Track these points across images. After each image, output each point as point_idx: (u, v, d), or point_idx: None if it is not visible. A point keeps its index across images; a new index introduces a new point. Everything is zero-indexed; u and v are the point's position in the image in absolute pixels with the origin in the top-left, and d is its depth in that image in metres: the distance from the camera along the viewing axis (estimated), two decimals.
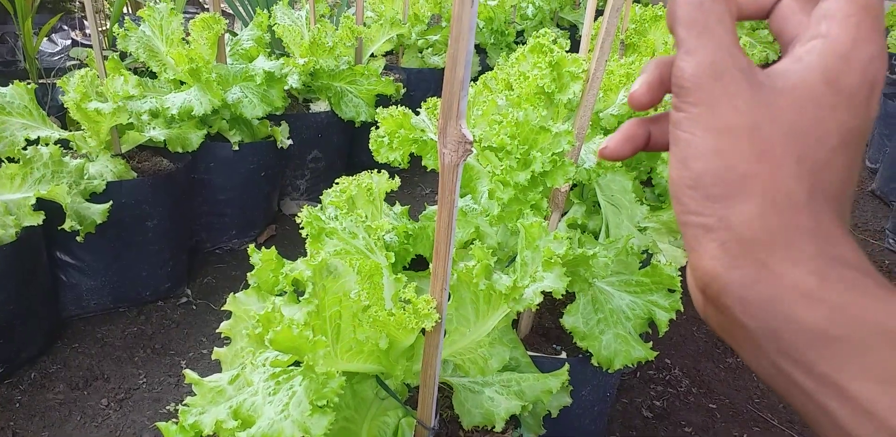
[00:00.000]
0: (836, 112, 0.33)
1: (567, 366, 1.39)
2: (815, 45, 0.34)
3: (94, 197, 2.16)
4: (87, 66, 2.90)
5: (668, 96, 0.39)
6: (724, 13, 0.35)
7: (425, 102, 1.65)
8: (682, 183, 0.35)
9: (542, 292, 1.14)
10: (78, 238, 2.09)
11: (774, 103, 0.33)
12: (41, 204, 1.97)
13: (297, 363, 1.03)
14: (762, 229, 0.33)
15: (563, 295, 1.17)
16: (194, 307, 2.52)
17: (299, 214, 1.27)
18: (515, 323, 1.64)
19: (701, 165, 0.34)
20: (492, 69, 2.52)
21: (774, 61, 0.38)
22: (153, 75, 2.75)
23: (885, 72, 0.34)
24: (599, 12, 1.76)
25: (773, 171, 0.33)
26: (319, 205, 1.32)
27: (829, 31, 0.34)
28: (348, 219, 1.28)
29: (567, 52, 1.56)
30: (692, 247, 0.35)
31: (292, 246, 2.99)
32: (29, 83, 2.27)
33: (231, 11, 4.05)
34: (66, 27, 4.05)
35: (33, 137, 2.21)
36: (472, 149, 0.80)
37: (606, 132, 1.95)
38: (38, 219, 1.95)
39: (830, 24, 0.34)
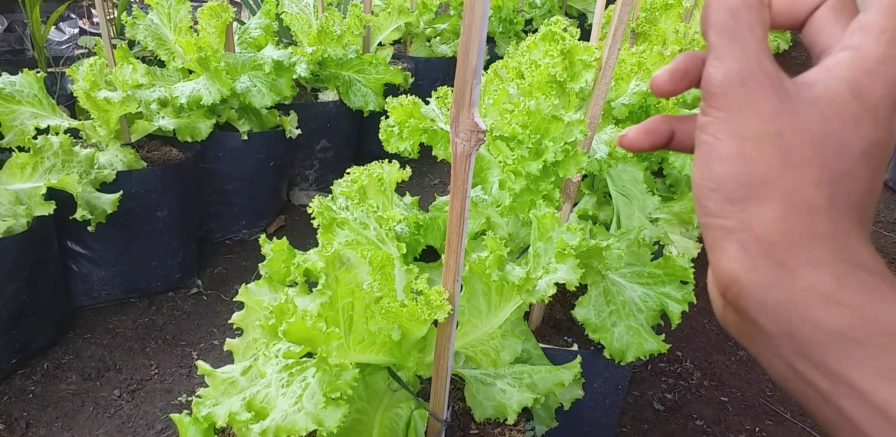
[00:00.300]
0: (860, 124, 0.33)
1: (579, 358, 1.38)
2: (845, 56, 0.34)
3: (104, 187, 2.16)
4: (95, 54, 2.90)
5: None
6: (756, 22, 0.35)
7: (435, 90, 1.63)
8: (705, 186, 0.35)
9: (556, 284, 1.13)
10: (89, 228, 2.09)
11: (799, 112, 0.34)
12: (52, 194, 1.97)
13: (309, 355, 1.02)
14: (782, 233, 0.33)
15: (575, 287, 1.16)
16: (205, 298, 2.53)
17: (310, 204, 1.26)
18: (527, 315, 1.64)
19: (724, 168, 0.34)
20: (500, 58, 2.49)
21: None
22: (161, 64, 2.75)
23: None
24: (610, 0, 1.74)
25: (795, 177, 0.33)
26: (329, 195, 1.32)
27: (860, 44, 0.34)
28: (359, 209, 1.27)
29: (577, 40, 1.54)
30: (712, 248, 0.35)
31: (301, 236, 2.99)
32: (38, 72, 2.27)
33: None
34: (73, 15, 4.05)
35: (43, 126, 2.21)
36: (485, 138, 0.79)
37: (618, 122, 1.93)
38: (49, 209, 1.95)
39: (863, 38, 0.34)
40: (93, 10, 4.04)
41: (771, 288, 0.33)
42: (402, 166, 1.42)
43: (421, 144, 1.59)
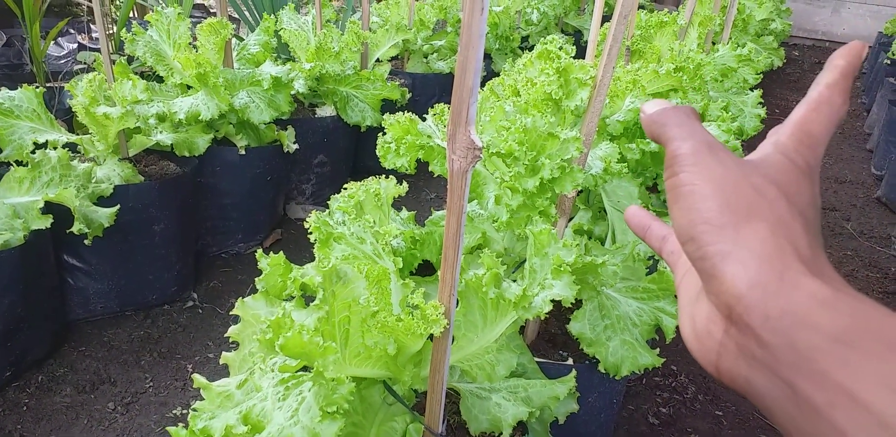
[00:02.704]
0: (802, 181, 0.41)
1: (574, 372, 1.39)
2: (771, 145, 0.44)
3: (101, 201, 2.16)
4: (93, 69, 2.92)
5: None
6: (700, 122, 0.45)
7: (432, 107, 1.65)
8: (696, 222, 0.39)
9: (552, 301, 1.14)
10: (86, 242, 2.10)
11: (758, 167, 0.41)
12: (49, 207, 1.98)
13: (305, 369, 1.03)
14: (775, 247, 0.36)
15: (570, 302, 1.17)
16: (200, 311, 2.53)
17: (307, 219, 1.27)
18: (522, 329, 1.64)
19: (709, 203, 0.39)
20: (497, 75, 2.52)
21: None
22: (160, 79, 2.77)
23: (817, 182, 0.43)
24: (605, 18, 1.76)
25: (772, 207, 0.38)
26: (326, 210, 1.33)
27: (778, 140, 0.44)
28: (356, 224, 1.28)
29: (572, 58, 1.57)
30: (712, 276, 0.38)
31: (297, 250, 3.00)
32: (37, 87, 2.28)
33: (237, 16, 4.06)
34: (72, 31, 4.07)
35: (41, 140, 2.22)
36: (481, 155, 0.80)
37: (613, 138, 1.95)
38: (46, 222, 1.96)
39: (779, 137, 0.44)
40: (91, 26, 4.07)
41: (773, 299, 0.34)
42: (399, 182, 1.43)
43: (418, 160, 1.61)
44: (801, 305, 0.34)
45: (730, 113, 2.40)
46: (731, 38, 3.20)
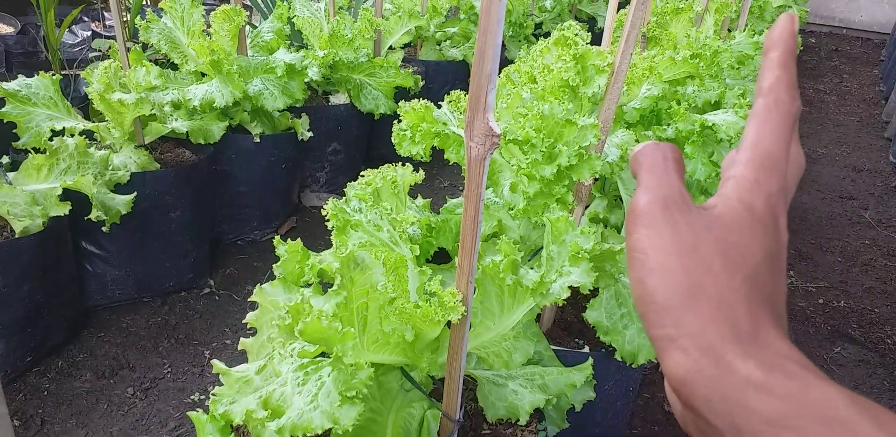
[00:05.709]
0: (755, 233, 0.40)
1: (591, 360, 1.39)
2: (731, 183, 0.42)
3: (118, 188, 2.18)
4: (108, 57, 2.92)
5: None
6: (676, 163, 0.43)
7: (447, 94, 1.65)
8: (644, 300, 0.39)
9: (569, 287, 1.14)
10: (103, 228, 2.11)
11: (710, 227, 0.40)
12: (67, 194, 2.00)
13: (324, 354, 1.04)
14: (714, 334, 0.37)
15: (588, 290, 1.17)
16: (217, 298, 2.55)
17: (324, 206, 1.27)
18: (538, 317, 1.65)
19: (655, 281, 0.39)
20: (510, 62, 2.51)
21: None
22: (174, 67, 2.77)
23: (784, 205, 0.42)
24: (621, 5, 1.75)
25: (714, 283, 0.38)
26: (342, 197, 1.33)
27: (738, 173, 0.42)
28: (373, 211, 1.29)
29: (587, 44, 1.55)
30: (661, 357, 0.39)
31: (312, 238, 3.01)
32: (53, 74, 2.29)
33: (250, 3, 4.05)
34: (86, 18, 4.08)
35: (58, 127, 2.23)
36: (499, 142, 0.80)
37: (629, 126, 1.93)
38: (64, 209, 1.98)
39: (739, 169, 0.42)
40: (106, 14, 4.07)
41: (713, 385, 0.36)
42: (416, 169, 1.43)
43: (432, 148, 1.61)
44: (736, 390, 0.35)
45: (746, 100, 2.38)
46: (747, 25, 3.17)
